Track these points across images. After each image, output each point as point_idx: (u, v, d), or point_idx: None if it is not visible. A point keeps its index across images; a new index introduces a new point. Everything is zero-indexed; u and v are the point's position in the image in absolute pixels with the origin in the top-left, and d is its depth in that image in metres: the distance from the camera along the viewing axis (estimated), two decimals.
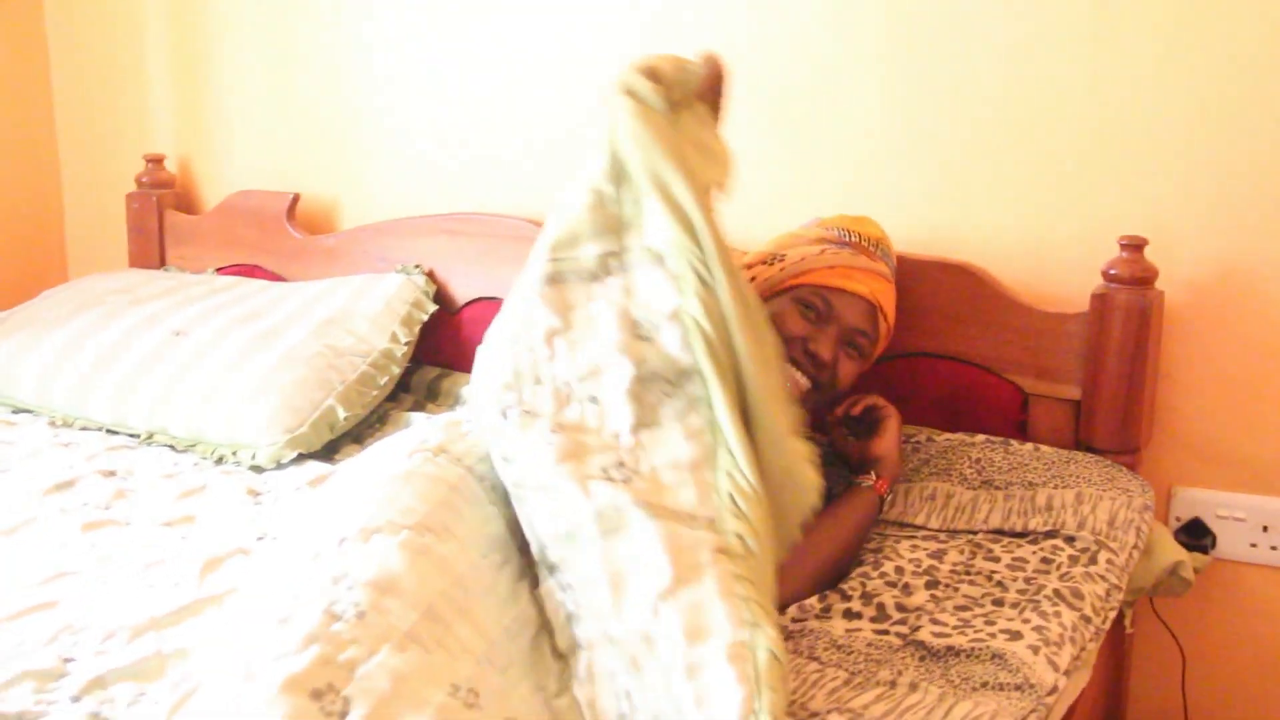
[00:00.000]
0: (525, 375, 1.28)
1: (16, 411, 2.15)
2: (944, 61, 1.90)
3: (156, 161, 2.63)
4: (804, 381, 1.56)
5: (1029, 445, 1.71)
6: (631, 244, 1.29)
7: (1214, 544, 1.82)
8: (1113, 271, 1.70)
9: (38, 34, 2.82)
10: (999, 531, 1.54)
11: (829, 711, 1.14)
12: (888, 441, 1.62)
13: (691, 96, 1.35)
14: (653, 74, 1.31)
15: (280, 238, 2.47)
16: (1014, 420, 1.79)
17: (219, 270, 2.53)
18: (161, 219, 2.62)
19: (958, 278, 1.81)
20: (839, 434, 1.68)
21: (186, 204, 2.68)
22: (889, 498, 1.61)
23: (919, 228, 1.92)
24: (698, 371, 1.22)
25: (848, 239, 1.64)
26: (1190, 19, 1.74)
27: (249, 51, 2.58)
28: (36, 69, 2.82)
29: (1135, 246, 1.69)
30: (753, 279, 1.65)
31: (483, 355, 1.35)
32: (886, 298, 1.63)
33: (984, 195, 1.89)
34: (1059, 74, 1.82)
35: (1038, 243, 1.85)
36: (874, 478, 1.58)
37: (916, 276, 1.82)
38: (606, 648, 1.12)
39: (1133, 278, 1.69)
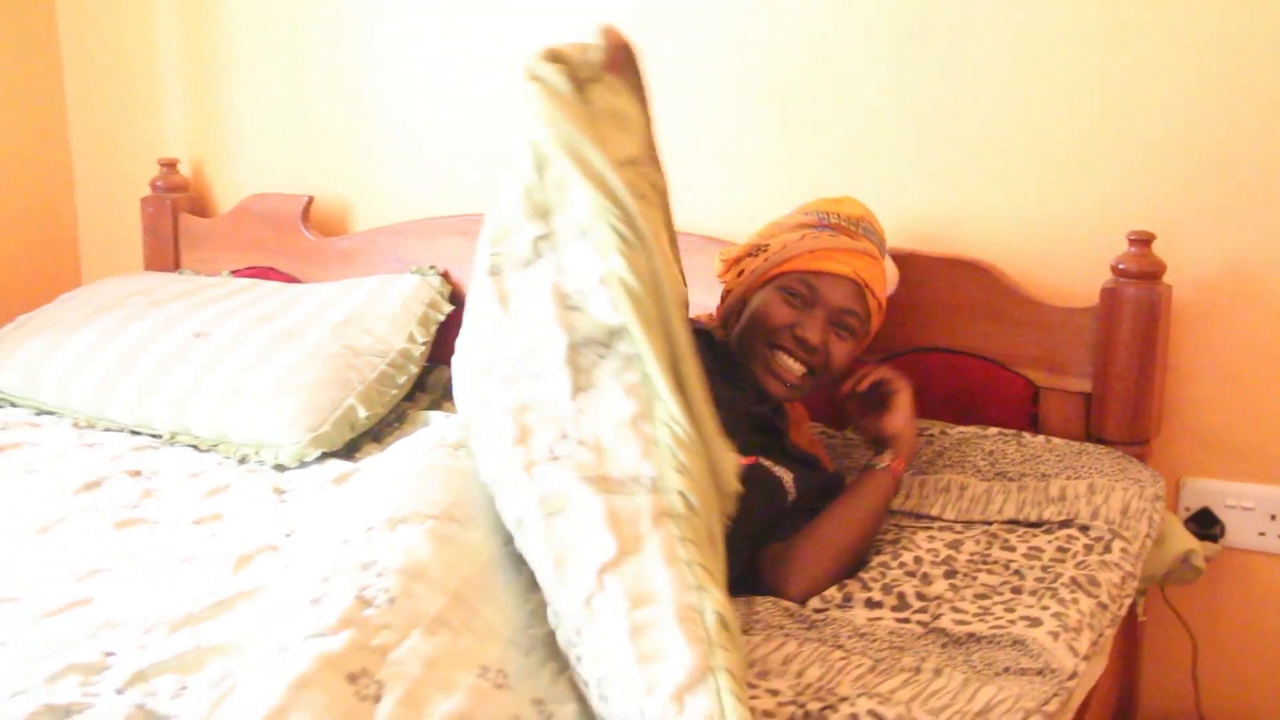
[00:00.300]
0: (480, 369, 1.32)
1: (39, 413, 2.18)
2: (952, 59, 1.93)
3: (170, 165, 2.66)
4: (797, 368, 1.58)
5: (1040, 438, 1.74)
6: (557, 225, 1.33)
7: (1223, 533, 1.85)
8: (1121, 266, 1.74)
9: (50, 41, 2.84)
10: (1014, 522, 1.57)
11: (857, 696, 1.17)
12: (899, 418, 1.60)
13: (599, 70, 1.37)
14: (555, 57, 1.35)
15: (295, 240, 2.49)
16: (1026, 413, 1.82)
17: (234, 273, 2.56)
18: (176, 222, 2.64)
19: (968, 273, 1.85)
20: (850, 409, 1.67)
21: (200, 207, 2.71)
22: (906, 475, 1.62)
23: (929, 225, 1.96)
24: (628, 330, 1.25)
25: (827, 221, 1.64)
26: (1199, 15, 1.77)
27: (261, 55, 2.61)
28: (49, 75, 2.84)
29: (1143, 241, 1.73)
30: (741, 272, 1.67)
31: (453, 363, 1.39)
32: (872, 274, 1.62)
33: (993, 192, 1.92)
34: (1067, 71, 1.85)
35: (1047, 238, 1.89)
36: (889, 458, 1.58)
37: (928, 273, 1.86)
38: (560, 624, 1.15)
39: (1141, 272, 1.73)
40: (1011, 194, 1.91)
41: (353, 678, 1.07)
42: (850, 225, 1.64)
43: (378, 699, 1.06)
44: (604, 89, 1.37)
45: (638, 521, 1.13)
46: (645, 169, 1.38)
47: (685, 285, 1.70)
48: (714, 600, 1.07)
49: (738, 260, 1.69)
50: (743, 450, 1.49)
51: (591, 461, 1.18)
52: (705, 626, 1.05)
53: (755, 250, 1.67)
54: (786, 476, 1.54)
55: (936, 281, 1.86)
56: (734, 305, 1.66)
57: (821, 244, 1.60)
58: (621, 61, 1.39)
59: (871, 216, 1.68)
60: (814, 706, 1.16)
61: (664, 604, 1.06)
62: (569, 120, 1.30)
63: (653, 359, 1.22)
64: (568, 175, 1.29)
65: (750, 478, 1.48)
